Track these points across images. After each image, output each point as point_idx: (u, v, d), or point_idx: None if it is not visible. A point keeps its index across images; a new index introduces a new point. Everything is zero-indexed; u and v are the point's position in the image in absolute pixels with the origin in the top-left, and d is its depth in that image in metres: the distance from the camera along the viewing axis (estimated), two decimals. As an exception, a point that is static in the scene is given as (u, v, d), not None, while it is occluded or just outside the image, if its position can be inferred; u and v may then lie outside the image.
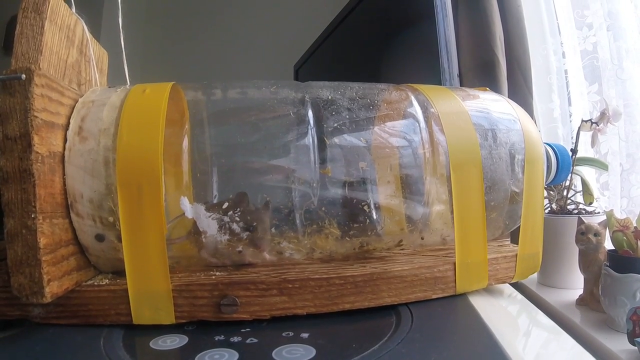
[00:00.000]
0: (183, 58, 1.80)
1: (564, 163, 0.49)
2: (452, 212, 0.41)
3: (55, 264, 0.33)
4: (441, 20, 0.74)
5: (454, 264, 0.42)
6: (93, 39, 0.46)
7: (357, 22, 1.20)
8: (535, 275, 0.53)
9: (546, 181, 0.49)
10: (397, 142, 0.46)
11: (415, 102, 0.46)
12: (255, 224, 0.39)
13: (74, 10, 0.42)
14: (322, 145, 0.42)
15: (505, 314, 0.43)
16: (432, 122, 0.45)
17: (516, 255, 0.45)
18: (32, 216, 0.31)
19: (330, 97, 0.45)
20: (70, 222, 0.36)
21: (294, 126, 0.44)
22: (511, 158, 0.45)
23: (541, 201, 0.46)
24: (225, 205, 0.39)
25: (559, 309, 0.48)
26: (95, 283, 0.37)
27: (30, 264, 0.31)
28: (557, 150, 0.49)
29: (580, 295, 0.49)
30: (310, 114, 0.43)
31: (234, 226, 0.39)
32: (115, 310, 0.36)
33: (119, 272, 0.38)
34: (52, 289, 0.32)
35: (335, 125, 0.43)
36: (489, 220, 0.44)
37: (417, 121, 0.45)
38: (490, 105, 0.48)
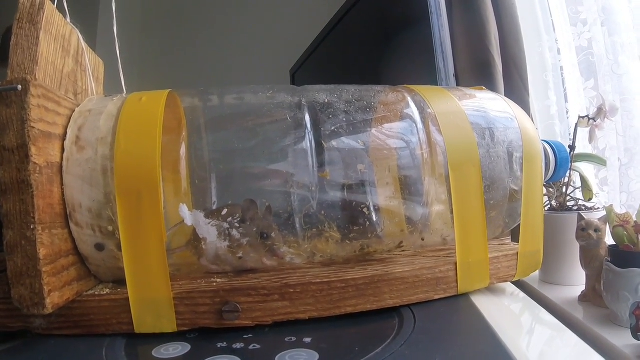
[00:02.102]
0: (179, 65, 1.80)
1: (562, 160, 0.49)
2: (451, 212, 0.41)
3: (55, 274, 0.33)
4: (436, 21, 0.75)
5: (455, 264, 0.42)
6: (88, 48, 0.46)
7: (352, 24, 1.20)
8: (536, 272, 0.53)
9: (545, 178, 0.49)
10: (394, 143, 0.46)
11: (412, 103, 0.46)
12: (269, 232, 0.40)
13: (68, 20, 0.42)
14: (320, 148, 0.42)
15: (508, 313, 0.43)
16: (430, 122, 0.45)
17: (517, 253, 0.45)
18: (31, 227, 0.31)
19: (326, 101, 0.45)
20: (70, 232, 0.36)
21: (292, 130, 0.44)
22: (509, 156, 0.45)
23: (541, 198, 0.46)
24: (225, 211, 0.39)
25: (561, 306, 0.48)
26: (96, 293, 0.37)
27: (31, 275, 0.31)
28: (555, 147, 0.49)
29: (582, 292, 0.49)
30: (307, 117, 0.43)
31: (234, 232, 0.39)
32: (117, 320, 0.36)
33: (120, 281, 0.38)
34: (53, 300, 0.32)
35: (333, 128, 0.43)
36: (489, 219, 0.44)
37: (415, 122, 0.45)
38: (487, 104, 0.48)
